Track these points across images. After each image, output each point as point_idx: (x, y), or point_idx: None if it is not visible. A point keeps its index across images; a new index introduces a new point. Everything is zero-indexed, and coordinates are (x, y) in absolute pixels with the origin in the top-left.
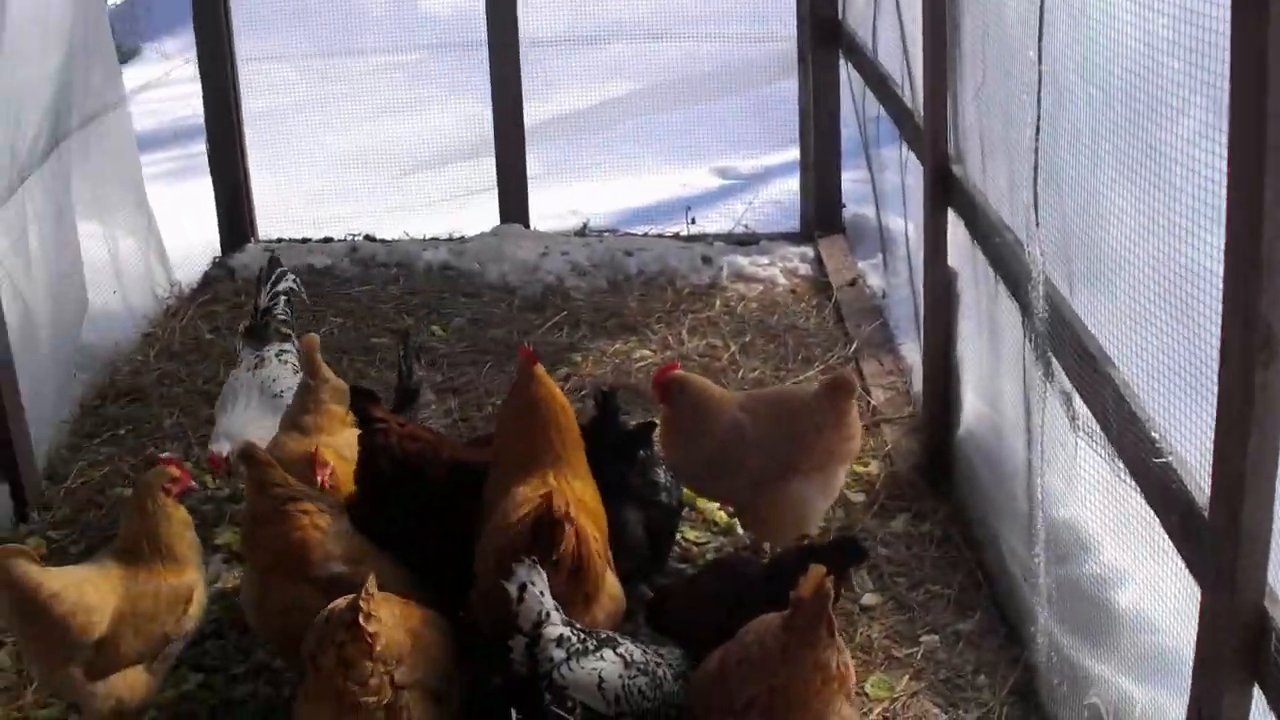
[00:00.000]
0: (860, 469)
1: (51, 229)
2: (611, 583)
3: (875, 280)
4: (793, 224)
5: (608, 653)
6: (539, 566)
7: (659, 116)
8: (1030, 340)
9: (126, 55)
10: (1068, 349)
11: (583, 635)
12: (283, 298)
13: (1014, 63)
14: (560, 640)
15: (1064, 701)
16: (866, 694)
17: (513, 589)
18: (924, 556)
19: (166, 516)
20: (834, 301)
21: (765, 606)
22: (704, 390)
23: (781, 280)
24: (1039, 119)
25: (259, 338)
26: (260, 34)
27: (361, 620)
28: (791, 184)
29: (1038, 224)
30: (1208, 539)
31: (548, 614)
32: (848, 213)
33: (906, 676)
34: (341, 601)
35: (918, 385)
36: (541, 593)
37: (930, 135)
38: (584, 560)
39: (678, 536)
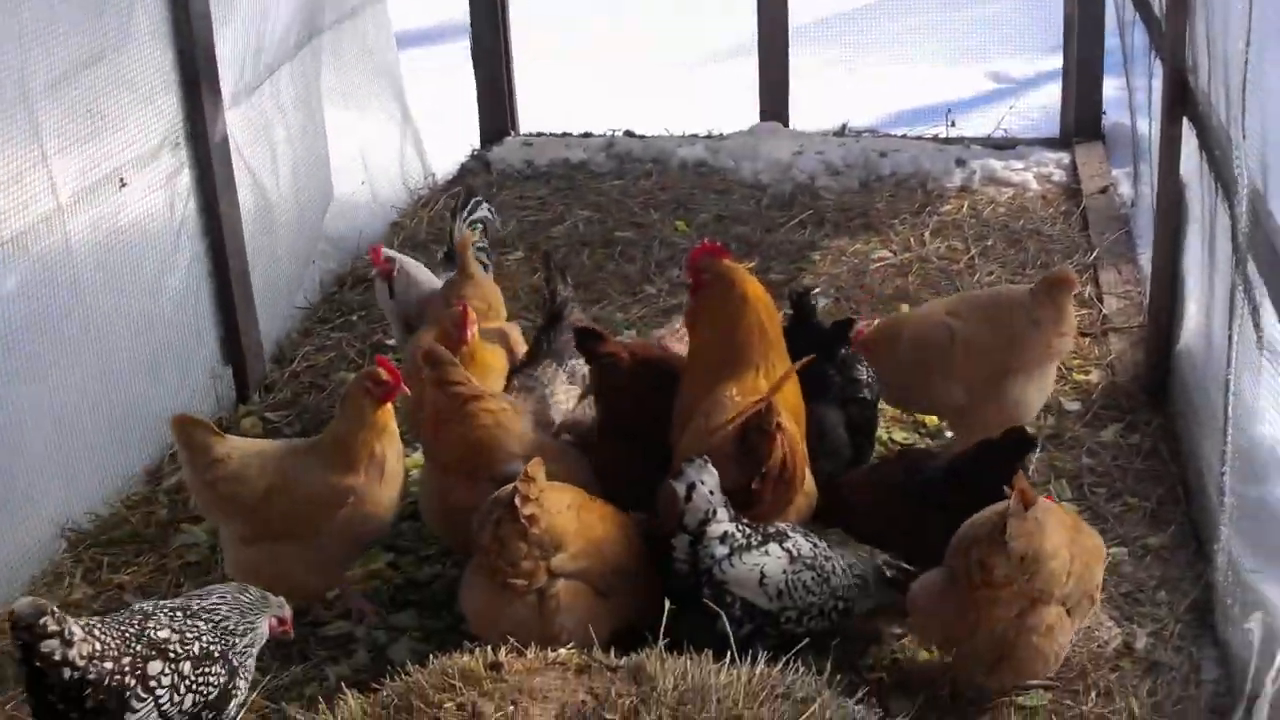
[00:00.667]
0: (1080, 377)
1: (300, 122)
2: (809, 482)
3: (1126, 189)
4: (1052, 130)
5: (773, 547)
6: (709, 465)
7: (927, 17)
8: (1235, 250)
9: None
10: (1264, 258)
11: (748, 530)
12: (480, 226)
13: None
14: (724, 537)
15: (1234, 622)
16: None
17: (681, 488)
18: (1128, 468)
19: (356, 418)
20: (1082, 208)
21: (946, 503)
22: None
23: (1034, 185)
24: (1249, 29)
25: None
26: None
27: (518, 502)
28: (1055, 90)
29: (1244, 135)
30: None
31: (714, 511)
32: (1108, 120)
33: None
34: (509, 486)
35: None
36: (711, 491)
37: (1170, 42)
38: (792, 470)
39: (885, 436)
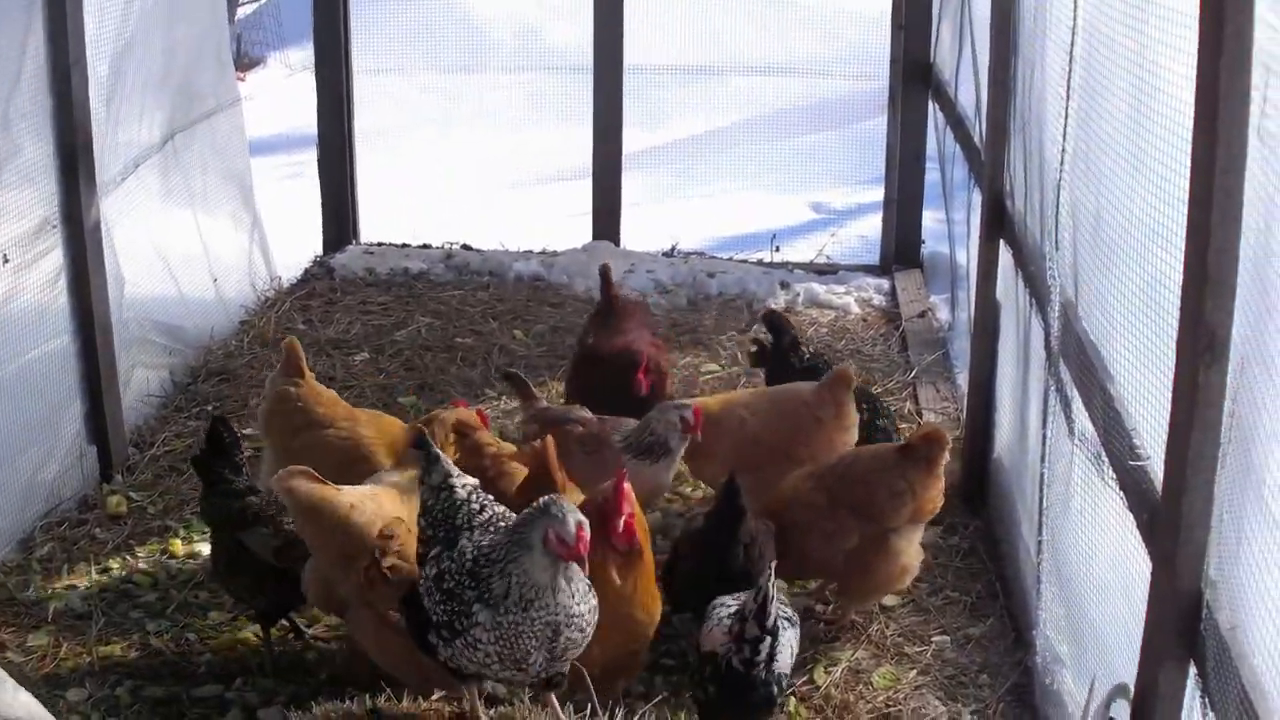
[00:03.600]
0: None
1: (159, 215)
2: None
3: (944, 314)
4: (873, 257)
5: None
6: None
7: (755, 149)
8: (1048, 355)
9: (252, 64)
10: (1073, 361)
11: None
12: None
13: (1048, 100)
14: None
15: (1052, 699)
16: (872, 684)
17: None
18: (948, 566)
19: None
20: (901, 331)
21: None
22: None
23: (855, 309)
24: (1063, 151)
25: None
26: (379, 48)
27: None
28: (876, 220)
29: (1057, 246)
30: (1159, 528)
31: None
32: (926, 249)
33: (914, 671)
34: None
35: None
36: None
37: (989, 168)
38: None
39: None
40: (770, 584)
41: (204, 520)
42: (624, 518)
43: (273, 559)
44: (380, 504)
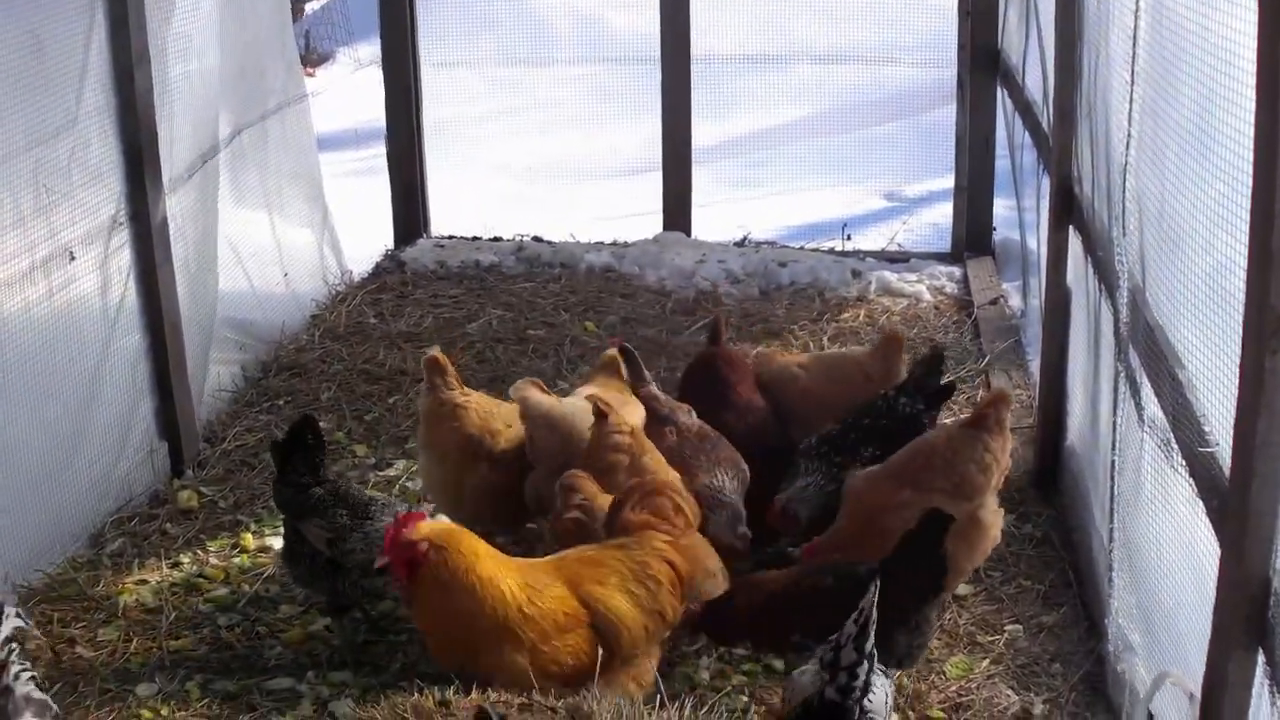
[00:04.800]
0: None
1: (230, 212)
2: None
3: (1016, 301)
4: (944, 245)
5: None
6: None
7: (824, 138)
8: (1117, 341)
9: (320, 59)
10: (1142, 348)
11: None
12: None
13: (1114, 85)
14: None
15: (1124, 687)
16: (945, 673)
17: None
18: (1021, 555)
19: None
20: (973, 319)
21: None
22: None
23: (927, 296)
24: (1129, 135)
25: None
26: (447, 41)
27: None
28: (947, 208)
29: (1124, 232)
30: (1227, 515)
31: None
32: (998, 236)
33: (986, 660)
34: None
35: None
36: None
37: (1056, 154)
38: None
39: None
40: (872, 606)
41: (277, 507)
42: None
43: (325, 549)
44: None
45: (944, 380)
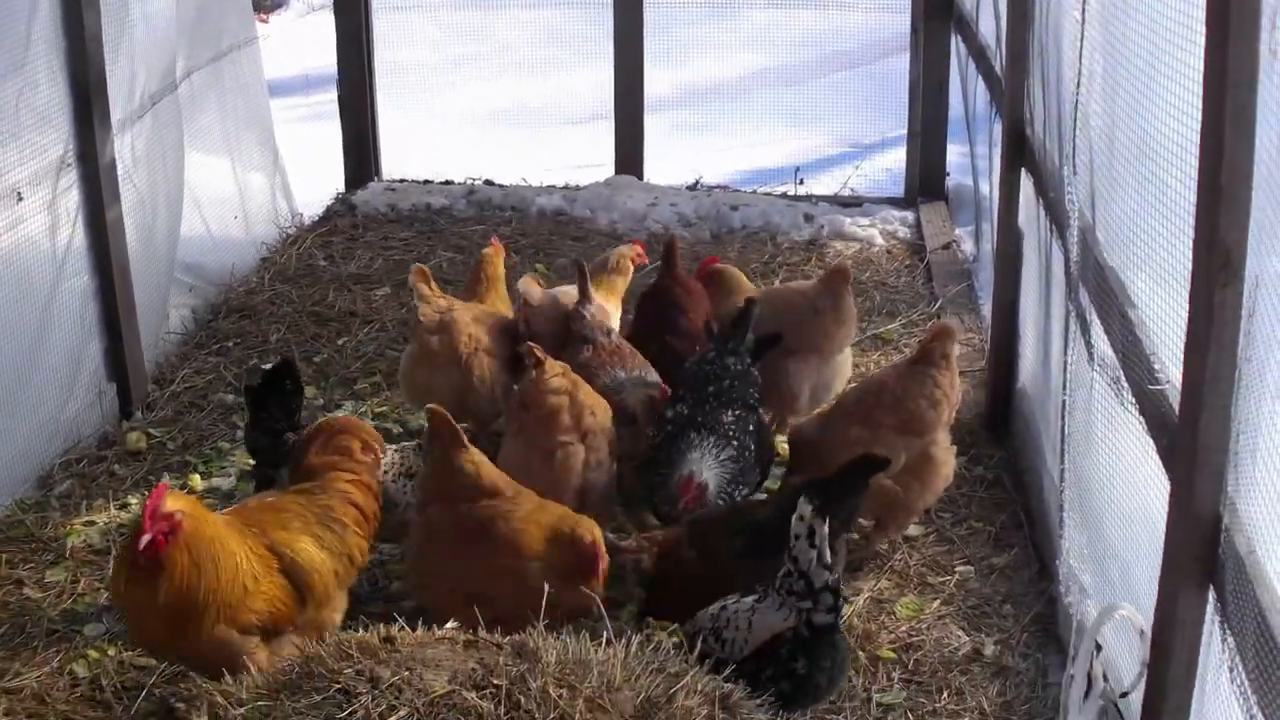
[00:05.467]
0: None
1: (174, 155)
2: None
3: (969, 246)
4: (898, 190)
5: None
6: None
7: (778, 83)
8: (1067, 281)
9: (274, 5)
10: (1092, 286)
11: None
12: None
13: (1065, 24)
14: None
15: (1075, 628)
16: (895, 614)
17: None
18: (972, 496)
19: None
20: (926, 263)
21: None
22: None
23: (879, 241)
24: (1080, 72)
25: None
26: None
27: None
28: (900, 153)
29: (1074, 170)
30: (1177, 452)
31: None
32: (951, 181)
33: (937, 601)
34: None
35: None
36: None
37: (1009, 96)
38: None
39: None
40: (815, 519)
41: (249, 453)
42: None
43: None
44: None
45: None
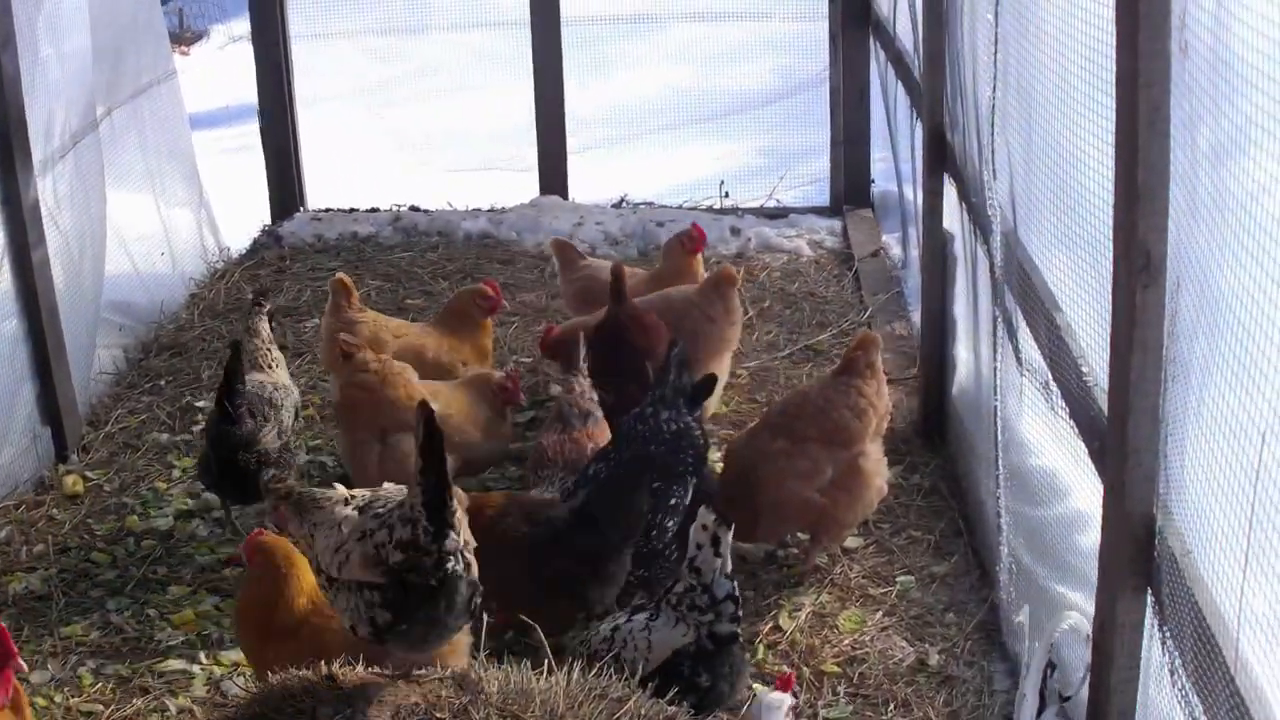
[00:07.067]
0: None
1: (97, 194)
2: None
3: (897, 252)
4: (823, 199)
5: None
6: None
7: (699, 96)
8: (993, 284)
9: (194, 37)
10: (1017, 290)
11: None
12: None
13: (979, 28)
14: None
15: (1017, 634)
16: (838, 627)
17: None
18: (909, 505)
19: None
20: (854, 272)
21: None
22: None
23: (807, 251)
24: (995, 75)
25: None
26: (317, 12)
27: None
28: (825, 162)
29: (994, 174)
30: (1108, 455)
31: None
32: (876, 188)
33: (880, 612)
34: None
35: None
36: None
37: (928, 101)
38: None
39: None
40: (718, 527)
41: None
42: None
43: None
44: None
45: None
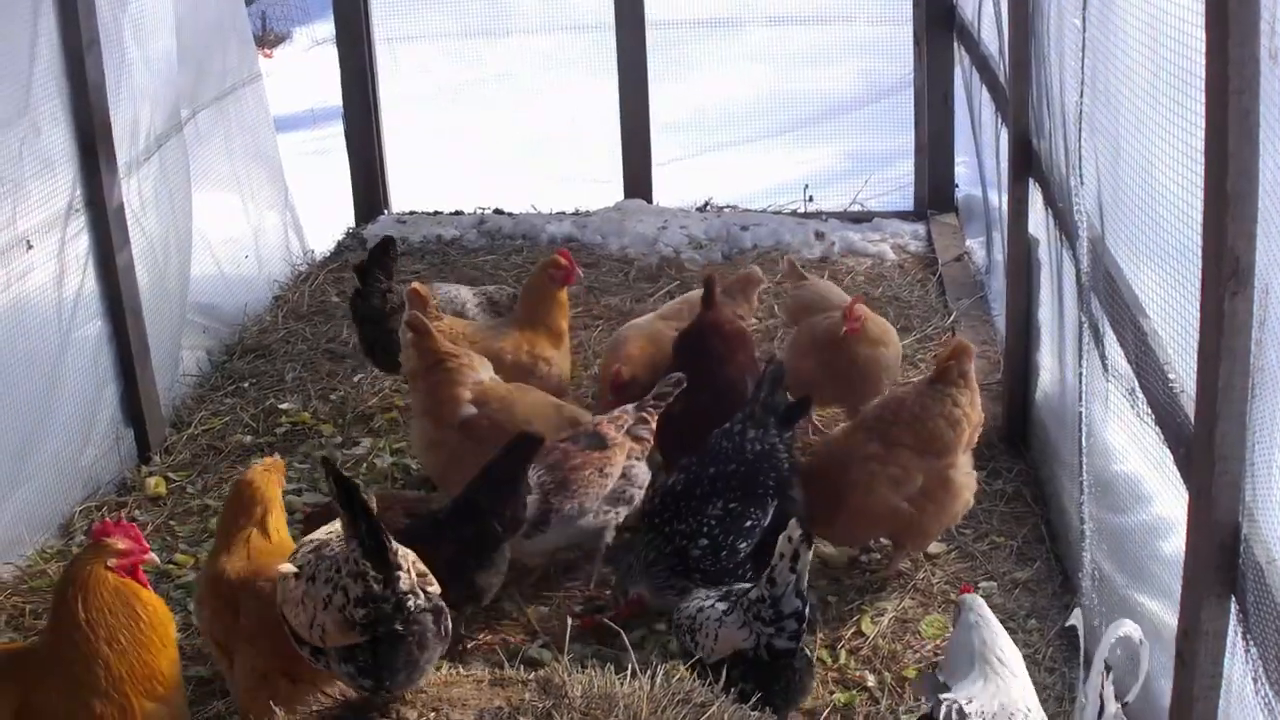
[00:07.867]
0: None
1: (182, 197)
2: None
3: (980, 256)
4: (907, 203)
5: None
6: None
7: (784, 100)
8: (1079, 291)
9: (277, 40)
10: (1104, 297)
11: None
12: None
13: (1066, 33)
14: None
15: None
16: (920, 633)
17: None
18: (993, 511)
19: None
20: (938, 276)
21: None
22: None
23: (891, 255)
24: (1082, 81)
25: None
26: (401, 16)
27: None
28: (909, 165)
29: (1081, 180)
30: (1194, 462)
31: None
32: (960, 192)
33: None
34: None
35: None
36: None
37: (1013, 106)
38: None
39: None
40: (801, 544)
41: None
42: None
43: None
44: None
45: (790, 396)
